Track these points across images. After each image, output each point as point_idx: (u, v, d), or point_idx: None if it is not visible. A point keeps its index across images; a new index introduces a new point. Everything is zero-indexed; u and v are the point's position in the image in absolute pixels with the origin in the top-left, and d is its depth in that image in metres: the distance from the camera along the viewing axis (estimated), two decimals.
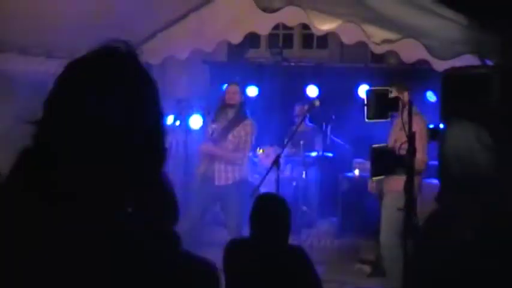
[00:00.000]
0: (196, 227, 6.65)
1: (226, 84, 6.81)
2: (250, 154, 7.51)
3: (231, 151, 6.60)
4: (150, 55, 7.09)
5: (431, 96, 7.96)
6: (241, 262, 4.02)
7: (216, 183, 6.57)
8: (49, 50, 5.59)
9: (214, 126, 6.69)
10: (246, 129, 6.63)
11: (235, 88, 6.73)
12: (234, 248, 4.17)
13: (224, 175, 6.60)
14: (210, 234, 7.46)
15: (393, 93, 5.30)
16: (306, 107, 8.39)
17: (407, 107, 4.55)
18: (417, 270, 3.03)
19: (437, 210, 2.93)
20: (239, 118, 6.66)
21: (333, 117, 8.90)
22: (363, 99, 4.52)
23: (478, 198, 2.67)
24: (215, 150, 6.62)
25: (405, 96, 5.79)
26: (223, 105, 6.76)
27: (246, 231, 6.44)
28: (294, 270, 3.90)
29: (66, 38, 5.34)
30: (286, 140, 7.32)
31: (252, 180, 8.33)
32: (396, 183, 5.36)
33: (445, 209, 2.85)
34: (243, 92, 6.89)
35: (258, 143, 9.11)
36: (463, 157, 2.66)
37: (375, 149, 4.41)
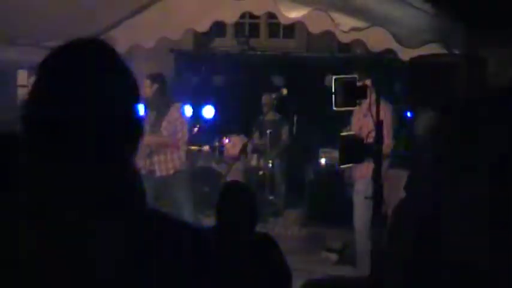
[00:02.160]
0: None
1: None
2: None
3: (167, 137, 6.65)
4: (115, 43, 7.00)
5: (396, 86, 8.00)
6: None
7: (158, 174, 6.54)
8: (11, 37, 5.47)
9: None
10: (176, 114, 6.71)
11: (145, 82, 6.72)
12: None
13: (164, 166, 6.59)
14: None
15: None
16: (274, 96, 8.39)
17: (373, 94, 4.56)
18: (386, 258, 3.03)
19: (405, 198, 2.94)
20: (162, 107, 6.68)
21: (300, 106, 8.91)
22: (330, 88, 4.50)
23: (448, 187, 2.68)
24: (152, 139, 6.64)
25: (367, 82, 5.83)
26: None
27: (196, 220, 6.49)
28: (262, 258, 3.88)
29: (29, 25, 5.23)
30: (253, 129, 7.30)
31: (218, 169, 8.32)
32: (366, 169, 5.43)
33: (414, 198, 2.86)
34: (159, 82, 6.77)
35: (225, 132, 9.09)
36: (433, 146, 2.66)
37: (343, 137, 4.40)
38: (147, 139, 6.64)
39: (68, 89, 1.25)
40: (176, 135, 6.66)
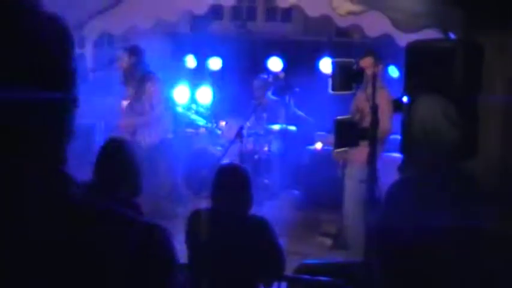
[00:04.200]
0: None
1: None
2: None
3: (145, 113, 6.67)
4: (113, 24, 6.98)
5: (393, 71, 7.99)
6: (203, 233, 4.00)
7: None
8: None
9: (124, 102, 6.84)
10: (150, 86, 6.66)
11: (121, 55, 6.73)
12: (195, 218, 4.15)
13: (142, 138, 6.69)
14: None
15: (367, 63, 5.30)
16: (270, 79, 8.38)
17: (373, 79, 4.56)
18: (379, 242, 3.05)
19: (399, 180, 2.95)
20: (140, 79, 6.68)
21: (296, 90, 8.90)
22: (328, 73, 4.50)
23: (442, 170, 2.70)
24: (128, 122, 6.71)
25: (379, 67, 5.82)
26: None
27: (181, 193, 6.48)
28: (257, 240, 3.90)
29: None
30: (249, 113, 7.29)
31: (214, 152, 8.32)
32: (360, 154, 5.43)
33: (408, 180, 2.87)
34: (136, 55, 6.72)
35: (221, 115, 9.09)
36: (429, 131, 2.67)
37: (339, 121, 4.40)
38: (127, 121, 6.67)
39: None
40: (153, 111, 6.66)
